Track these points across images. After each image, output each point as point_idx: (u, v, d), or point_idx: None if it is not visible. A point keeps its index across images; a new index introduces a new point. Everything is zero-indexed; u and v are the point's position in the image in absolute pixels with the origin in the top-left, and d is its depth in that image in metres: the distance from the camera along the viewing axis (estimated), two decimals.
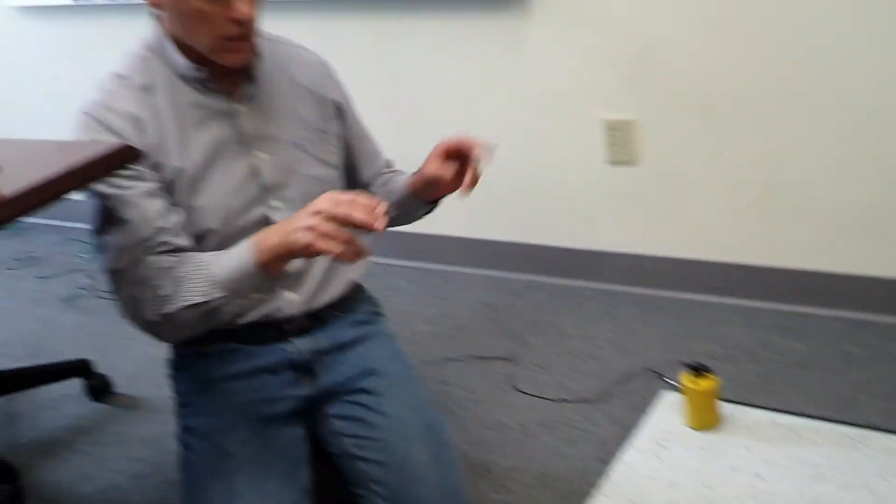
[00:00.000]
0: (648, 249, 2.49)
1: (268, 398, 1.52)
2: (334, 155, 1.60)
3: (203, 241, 1.44)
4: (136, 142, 1.37)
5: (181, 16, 1.37)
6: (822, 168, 2.20)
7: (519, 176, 2.57)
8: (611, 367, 2.21)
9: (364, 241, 1.26)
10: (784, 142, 2.23)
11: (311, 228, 1.25)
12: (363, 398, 1.53)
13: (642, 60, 2.30)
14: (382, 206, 1.24)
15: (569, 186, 2.53)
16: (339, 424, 1.53)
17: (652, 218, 2.46)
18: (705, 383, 1.76)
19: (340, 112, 1.63)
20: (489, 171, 2.46)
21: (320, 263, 1.55)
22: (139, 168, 1.37)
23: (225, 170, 1.45)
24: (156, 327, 1.38)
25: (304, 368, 1.55)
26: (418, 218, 1.70)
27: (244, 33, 1.39)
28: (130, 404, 2.31)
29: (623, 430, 1.92)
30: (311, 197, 1.50)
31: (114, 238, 1.37)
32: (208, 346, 1.52)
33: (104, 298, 2.87)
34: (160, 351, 2.49)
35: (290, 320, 1.54)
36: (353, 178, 1.70)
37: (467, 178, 1.47)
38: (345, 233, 1.24)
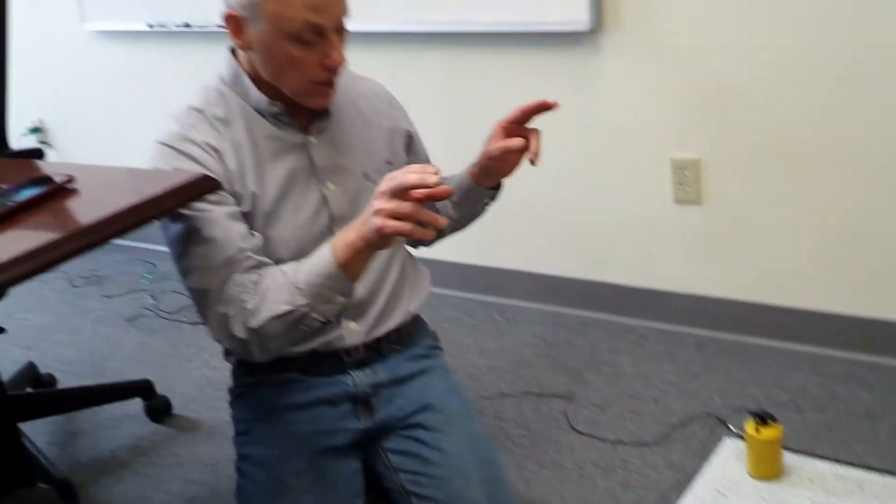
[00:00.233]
0: (711, 291, 2.45)
1: (326, 430, 1.52)
2: None
3: None
4: (216, 170, 1.40)
5: (272, 59, 1.40)
6: None
7: (582, 211, 2.55)
8: (670, 410, 2.17)
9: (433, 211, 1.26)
10: (857, 187, 2.18)
11: (377, 211, 1.26)
12: (420, 433, 1.53)
13: (714, 99, 2.27)
14: (432, 167, 1.25)
15: (633, 223, 2.51)
16: (395, 459, 1.53)
17: (717, 259, 2.42)
18: (769, 431, 1.72)
19: (411, 141, 1.66)
20: (551, 206, 2.45)
21: (383, 293, 1.56)
22: (222, 193, 1.39)
23: (297, 201, 1.47)
24: (245, 344, 1.38)
25: (362, 401, 1.55)
26: (481, 212, 1.68)
27: (332, 79, 1.42)
28: (188, 426, 2.33)
29: (682, 477, 1.89)
30: None
31: (199, 259, 1.38)
32: (269, 376, 1.53)
33: (166, 319, 2.92)
34: (218, 373, 2.55)
35: (349, 352, 1.54)
36: None
37: (534, 145, 1.46)
38: (410, 206, 1.24)
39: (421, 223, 1.25)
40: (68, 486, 2.03)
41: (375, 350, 1.57)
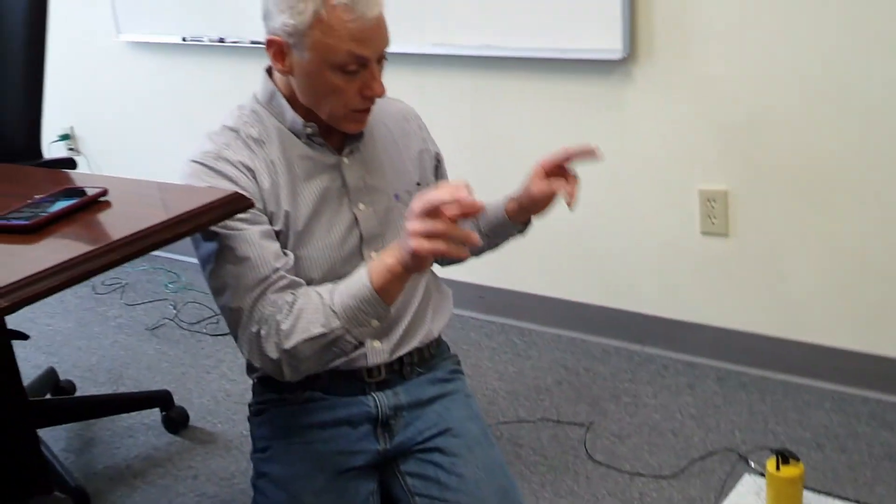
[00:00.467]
0: (735, 324, 2.44)
1: (345, 450, 1.51)
2: None
3: None
4: (250, 189, 1.40)
5: (313, 86, 1.41)
6: None
7: (608, 238, 2.54)
8: (690, 444, 2.15)
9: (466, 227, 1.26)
10: (887, 226, 2.16)
11: (412, 234, 1.25)
12: (438, 458, 1.52)
13: (744, 131, 2.26)
14: (461, 181, 1.24)
15: (658, 253, 2.49)
16: (413, 483, 1.52)
17: (741, 292, 2.40)
18: (790, 470, 1.70)
19: (439, 163, 1.68)
20: (577, 231, 2.45)
21: (409, 312, 1.56)
22: (255, 211, 1.40)
23: (329, 221, 1.48)
24: (277, 364, 1.38)
25: (382, 423, 1.54)
26: (505, 243, 1.71)
27: (370, 107, 1.44)
28: (205, 438, 2.33)
29: None
30: None
31: (232, 278, 1.38)
32: (290, 394, 1.53)
33: (187, 330, 2.93)
34: (236, 386, 2.55)
35: (371, 372, 1.54)
36: None
37: (572, 189, 1.51)
38: (442, 224, 1.23)
39: (455, 241, 1.24)
40: (84, 495, 2.03)
41: (397, 372, 1.57)
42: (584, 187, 2.50)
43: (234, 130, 1.46)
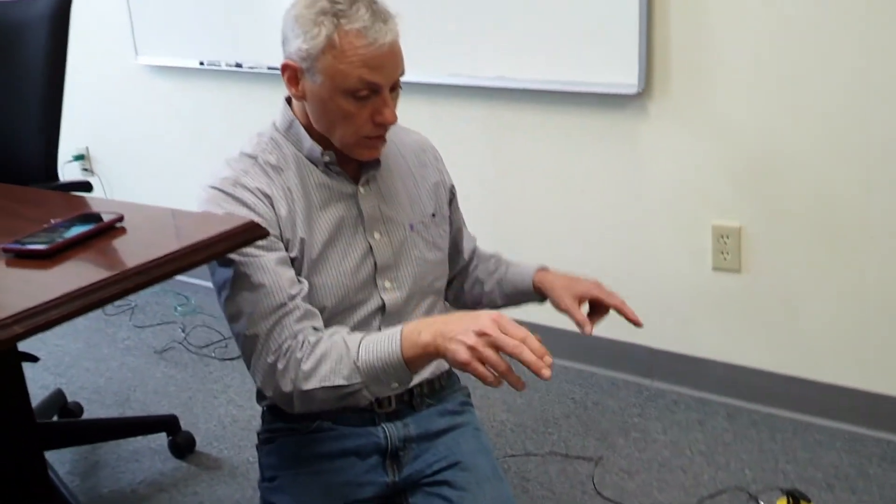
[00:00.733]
0: (746, 361, 2.42)
1: (353, 482, 1.50)
2: (444, 239, 1.63)
3: None
4: (267, 216, 1.41)
5: (325, 111, 1.41)
6: None
7: (620, 271, 2.54)
8: (699, 481, 2.13)
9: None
10: None
11: (472, 348, 1.20)
12: (446, 491, 1.51)
13: (757, 169, 2.26)
14: (550, 357, 1.19)
15: (670, 288, 2.48)
16: None
17: (753, 329, 2.39)
18: None
19: (453, 195, 1.68)
20: (588, 264, 2.44)
21: None
22: (271, 238, 1.40)
23: (344, 249, 1.48)
24: (289, 398, 1.37)
25: (391, 455, 1.54)
26: (523, 304, 1.73)
27: (382, 134, 1.44)
28: (210, 464, 2.32)
29: None
30: (419, 279, 1.53)
31: (248, 304, 1.38)
32: (300, 423, 1.53)
33: (195, 353, 2.93)
34: (244, 412, 2.54)
35: (382, 402, 1.54)
36: (454, 258, 1.73)
37: (595, 324, 1.57)
38: (504, 363, 1.20)
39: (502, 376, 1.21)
40: None
41: (408, 403, 1.57)
42: (596, 219, 2.52)
43: (253, 157, 1.47)
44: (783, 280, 2.31)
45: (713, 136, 2.30)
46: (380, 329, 1.49)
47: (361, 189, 1.51)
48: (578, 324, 1.54)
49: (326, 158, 1.47)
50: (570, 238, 2.59)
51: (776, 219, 2.28)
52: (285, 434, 1.55)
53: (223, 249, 1.20)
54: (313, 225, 1.46)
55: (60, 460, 2.34)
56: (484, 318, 1.22)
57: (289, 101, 1.51)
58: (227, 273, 1.39)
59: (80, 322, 3.20)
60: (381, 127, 1.42)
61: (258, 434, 1.62)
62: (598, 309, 1.60)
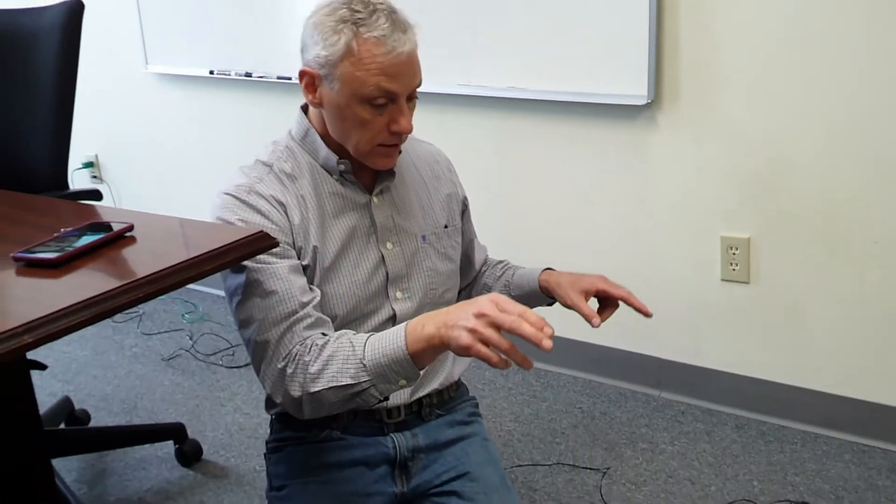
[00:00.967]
0: (754, 372, 2.41)
1: (361, 492, 1.50)
2: (456, 250, 1.63)
3: None
4: (280, 223, 1.41)
5: (342, 118, 1.42)
6: None
7: (628, 281, 2.49)
8: (707, 493, 2.12)
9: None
10: None
11: (472, 330, 1.21)
12: (454, 501, 1.51)
13: (766, 180, 2.26)
14: (550, 328, 1.19)
15: (679, 298, 2.48)
16: None
17: (762, 340, 2.38)
18: None
19: (466, 207, 1.69)
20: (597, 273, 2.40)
21: None
22: (284, 245, 1.40)
23: (356, 259, 1.48)
24: (298, 403, 1.37)
25: (400, 465, 1.53)
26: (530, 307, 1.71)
27: (397, 142, 1.44)
28: (217, 473, 2.32)
29: None
30: (431, 290, 1.54)
31: (260, 311, 1.38)
32: (309, 432, 1.53)
33: (203, 361, 2.93)
34: (250, 420, 2.54)
35: (392, 412, 1.54)
36: (466, 269, 1.73)
37: (606, 316, 1.56)
38: (506, 341, 1.20)
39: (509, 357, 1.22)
40: None
41: (416, 413, 1.57)
42: (605, 229, 2.52)
43: (268, 165, 1.47)
44: (792, 291, 2.30)
45: (722, 146, 2.30)
46: None
47: (375, 199, 1.51)
48: (586, 317, 1.51)
49: (342, 167, 1.48)
50: (578, 248, 2.59)
51: (785, 230, 2.27)
52: (294, 443, 1.55)
53: (232, 259, 1.20)
54: (326, 233, 1.46)
55: (67, 468, 2.35)
56: (482, 301, 1.22)
57: (304, 110, 1.51)
58: (239, 279, 1.39)
59: (88, 329, 3.20)
60: (396, 135, 1.42)
61: (267, 443, 1.62)
62: (606, 303, 1.59)
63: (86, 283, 1.13)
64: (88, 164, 3.67)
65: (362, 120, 1.39)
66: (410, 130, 1.42)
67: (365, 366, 1.31)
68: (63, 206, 1.59)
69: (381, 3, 1.39)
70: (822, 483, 2.13)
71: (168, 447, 2.40)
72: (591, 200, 2.54)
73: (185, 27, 3.16)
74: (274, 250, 1.36)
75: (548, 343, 1.17)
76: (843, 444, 2.28)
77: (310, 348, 1.36)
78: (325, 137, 1.48)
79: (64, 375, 2.88)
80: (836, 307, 2.26)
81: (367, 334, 1.35)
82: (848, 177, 2.16)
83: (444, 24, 2.55)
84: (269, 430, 1.63)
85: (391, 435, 1.54)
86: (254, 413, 2.58)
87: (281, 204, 1.43)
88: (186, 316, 3.29)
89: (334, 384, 1.32)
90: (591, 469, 2.24)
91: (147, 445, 2.43)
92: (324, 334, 1.39)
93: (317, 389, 1.33)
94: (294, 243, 1.43)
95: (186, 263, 1.14)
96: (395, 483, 1.53)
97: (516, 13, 2.44)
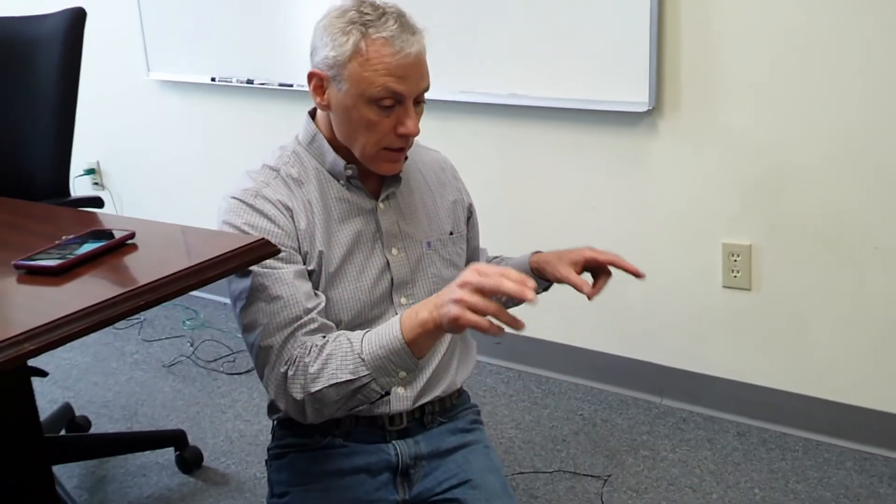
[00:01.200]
0: (756, 379, 2.41)
1: (363, 499, 1.50)
2: (461, 257, 1.63)
3: None
4: (287, 228, 1.42)
5: (349, 120, 1.42)
6: None
7: (629, 288, 2.53)
8: (709, 500, 2.12)
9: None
10: None
11: (458, 301, 1.22)
12: None
13: (767, 186, 2.26)
14: (532, 282, 1.20)
15: (680, 306, 2.48)
16: None
17: (763, 347, 2.38)
18: None
19: (471, 213, 1.69)
20: None
21: (434, 361, 1.55)
22: (290, 250, 1.40)
23: (361, 264, 1.49)
24: (301, 405, 1.36)
25: (402, 472, 1.53)
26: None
27: (403, 146, 1.44)
28: (217, 480, 2.32)
29: None
30: None
31: (264, 316, 1.38)
32: (311, 439, 1.52)
33: (203, 368, 2.93)
34: (251, 427, 2.54)
35: (394, 419, 1.53)
36: None
37: (600, 286, 1.52)
38: (493, 304, 1.20)
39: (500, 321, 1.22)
40: None
41: (418, 420, 1.56)
42: (606, 236, 2.52)
43: (275, 170, 1.48)
44: (794, 298, 2.30)
45: (723, 153, 2.30)
46: None
47: (381, 205, 1.52)
48: (577, 287, 1.48)
49: (349, 172, 1.48)
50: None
51: (787, 237, 2.27)
52: (296, 450, 1.55)
53: (234, 267, 1.20)
54: (332, 239, 1.46)
55: (68, 474, 2.34)
56: (464, 272, 1.24)
57: (312, 115, 1.51)
58: (244, 283, 1.39)
59: (89, 336, 3.19)
60: (403, 138, 1.42)
61: (268, 449, 1.62)
62: (598, 273, 1.56)
63: (87, 291, 1.14)
64: (90, 171, 3.67)
65: (369, 121, 1.39)
66: (417, 133, 1.42)
67: (363, 360, 1.31)
68: (64, 214, 1.59)
69: (391, 7, 1.40)
70: (824, 491, 2.12)
71: (168, 454, 2.40)
72: (593, 207, 2.54)
73: (187, 34, 3.17)
74: (280, 255, 1.37)
75: (531, 294, 1.18)
76: (845, 451, 2.27)
77: (309, 350, 1.36)
78: (333, 142, 1.48)
79: (65, 382, 2.88)
80: (837, 314, 2.25)
81: (365, 331, 1.36)
82: (849, 184, 2.16)
83: (447, 31, 2.55)
84: (270, 437, 1.63)
85: (393, 442, 1.53)
86: (254, 420, 2.57)
87: (287, 208, 1.43)
88: (187, 322, 3.29)
89: (334, 381, 1.32)
90: (592, 476, 2.24)
91: (148, 452, 2.42)
92: (324, 337, 1.39)
93: (317, 388, 1.33)
94: (300, 248, 1.43)
95: (188, 271, 1.14)
96: (396, 490, 1.52)
97: (518, 21, 2.45)
